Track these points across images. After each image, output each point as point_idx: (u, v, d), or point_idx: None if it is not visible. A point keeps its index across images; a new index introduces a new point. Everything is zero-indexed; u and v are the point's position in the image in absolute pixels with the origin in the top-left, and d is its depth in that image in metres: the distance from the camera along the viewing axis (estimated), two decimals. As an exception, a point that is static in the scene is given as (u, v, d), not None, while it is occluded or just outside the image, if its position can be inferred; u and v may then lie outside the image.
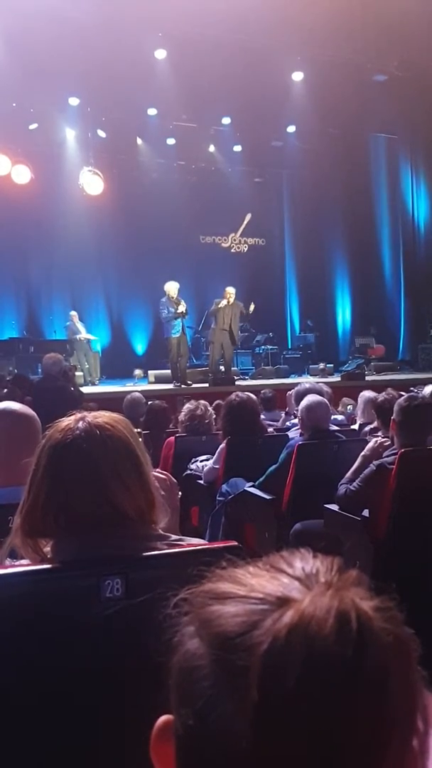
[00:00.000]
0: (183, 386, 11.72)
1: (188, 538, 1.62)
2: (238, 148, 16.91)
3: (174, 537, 1.57)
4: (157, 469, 1.91)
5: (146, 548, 1.46)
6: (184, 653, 0.58)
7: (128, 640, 1.23)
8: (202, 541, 1.61)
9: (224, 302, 12.41)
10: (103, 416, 1.59)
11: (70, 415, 1.61)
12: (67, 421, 1.57)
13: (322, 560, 0.62)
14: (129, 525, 1.47)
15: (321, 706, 0.51)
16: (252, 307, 12.86)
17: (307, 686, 0.51)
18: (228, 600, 0.58)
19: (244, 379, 13.87)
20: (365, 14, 11.87)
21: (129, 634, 1.24)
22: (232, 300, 12.52)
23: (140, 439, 1.73)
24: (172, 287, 11.95)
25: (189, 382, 12.11)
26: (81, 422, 1.55)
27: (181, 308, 11.82)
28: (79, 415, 1.59)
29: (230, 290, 12.67)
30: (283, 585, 0.58)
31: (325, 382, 11.09)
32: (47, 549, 1.51)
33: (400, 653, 0.55)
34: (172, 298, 11.82)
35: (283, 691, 0.51)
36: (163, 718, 0.61)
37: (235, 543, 1.47)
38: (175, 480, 1.90)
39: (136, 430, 1.75)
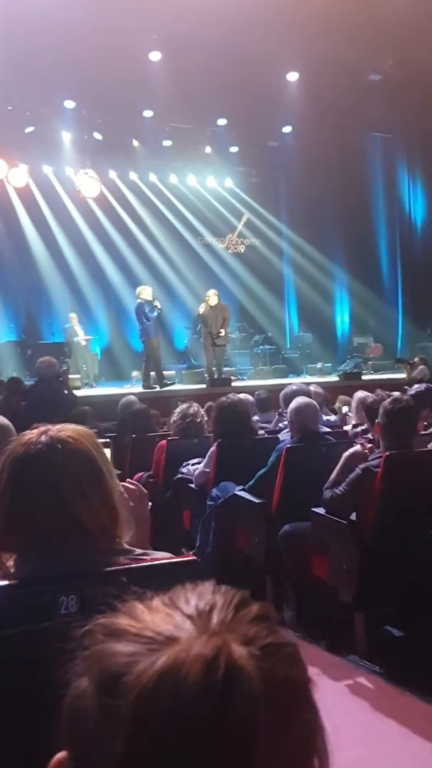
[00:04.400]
0: (164, 387, 11.83)
1: (154, 552, 1.62)
2: (234, 149, 16.90)
3: (138, 551, 1.57)
4: (128, 480, 1.93)
5: (106, 563, 1.46)
6: (73, 691, 0.58)
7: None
8: (167, 555, 1.62)
9: (207, 308, 12.46)
10: (66, 429, 1.59)
11: (35, 429, 1.62)
12: (30, 435, 1.58)
13: (222, 595, 0.61)
14: (90, 540, 1.48)
15: (184, 760, 0.49)
16: (222, 332, 12.86)
17: (170, 739, 0.49)
18: (121, 636, 0.58)
19: (242, 380, 13.87)
20: (359, 14, 11.81)
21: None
22: (212, 302, 12.55)
23: (108, 450, 1.73)
24: (148, 291, 12.19)
25: (167, 382, 12.22)
26: (44, 436, 1.56)
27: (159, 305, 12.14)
28: (42, 428, 1.59)
29: (210, 293, 12.76)
30: (174, 624, 0.57)
31: (323, 382, 11.16)
32: (11, 563, 1.52)
33: (278, 700, 0.53)
34: (149, 301, 11.91)
35: (148, 741, 0.50)
36: (59, 755, 0.59)
37: (193, 558, 1.48)
38: (145, 490, 1.91)
39: (104, 440, 1.76)
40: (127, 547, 1.58)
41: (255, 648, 0.55)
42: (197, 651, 0.53)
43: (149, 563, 1.47)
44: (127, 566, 1.43)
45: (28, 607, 1.35)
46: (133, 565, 1.43)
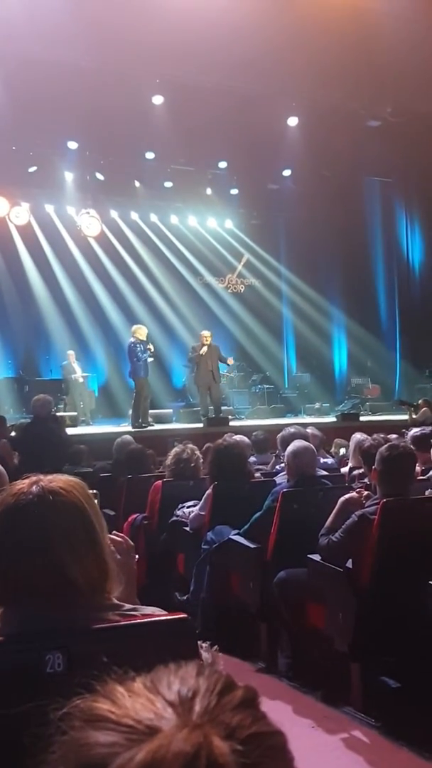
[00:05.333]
0: (147, 427, 11.73)
1: (143, 607, 1.58)
2: (234, 191, 17.13)
3: (127, 606, 1.53)
4: (114, 532, 1.89)
5: (95, 620, 1.42)
6: None
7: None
8: (157, 611, 1.58)
9: (204, 348, 12.54)
10: (58, 480, 1.57)
11: (26, 478, 1.60)
12: (21, 485, 1.56)
13: (206, 679, 0.59)
14: (78, 595, 1.44)
15: None
16: (231, 361, 12.93)
17: None
18: (100, 724, 0.55)
19: (240, 419, 13.83)
20: (359, 62, 12.07)
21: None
22: (208, 343, 12.63)
23: (96, 501, 1.70)
24: (143, 331, 12.18)
25: (152, 422, 12.15)
26: (35, 486, 1.53)
27: (152, 349, 12.17)
28: (34, 479, 1.57)
29: (205, 333, 12.87)
30: (155, 711, 0.55)
31: (320, 423, 11.12)
32: (-3, 617, 1.48)
33: None
34: (143, 341, 11.93)
35: None
36: None
37: (184, 616, 1.44)
38: (132, 543, 1.87)
39: (92, 491, 1.73)
40: (116, 602, 1.54)
41: (238, 741, 0.53)
42: (178, 747, 0.51)
43: (139, 621, 1.43)
44: (116, 624, 1.39)
45: (17, 666, 1.30)
46: (123, 623, 1.39)
